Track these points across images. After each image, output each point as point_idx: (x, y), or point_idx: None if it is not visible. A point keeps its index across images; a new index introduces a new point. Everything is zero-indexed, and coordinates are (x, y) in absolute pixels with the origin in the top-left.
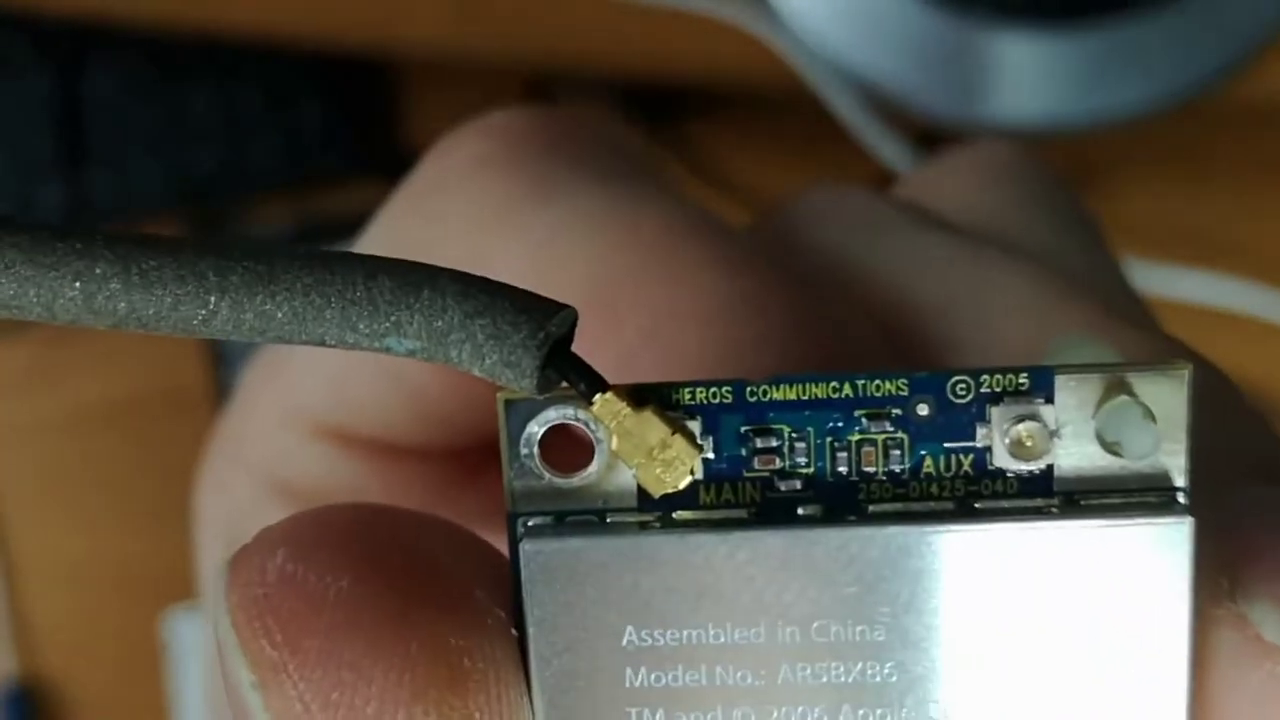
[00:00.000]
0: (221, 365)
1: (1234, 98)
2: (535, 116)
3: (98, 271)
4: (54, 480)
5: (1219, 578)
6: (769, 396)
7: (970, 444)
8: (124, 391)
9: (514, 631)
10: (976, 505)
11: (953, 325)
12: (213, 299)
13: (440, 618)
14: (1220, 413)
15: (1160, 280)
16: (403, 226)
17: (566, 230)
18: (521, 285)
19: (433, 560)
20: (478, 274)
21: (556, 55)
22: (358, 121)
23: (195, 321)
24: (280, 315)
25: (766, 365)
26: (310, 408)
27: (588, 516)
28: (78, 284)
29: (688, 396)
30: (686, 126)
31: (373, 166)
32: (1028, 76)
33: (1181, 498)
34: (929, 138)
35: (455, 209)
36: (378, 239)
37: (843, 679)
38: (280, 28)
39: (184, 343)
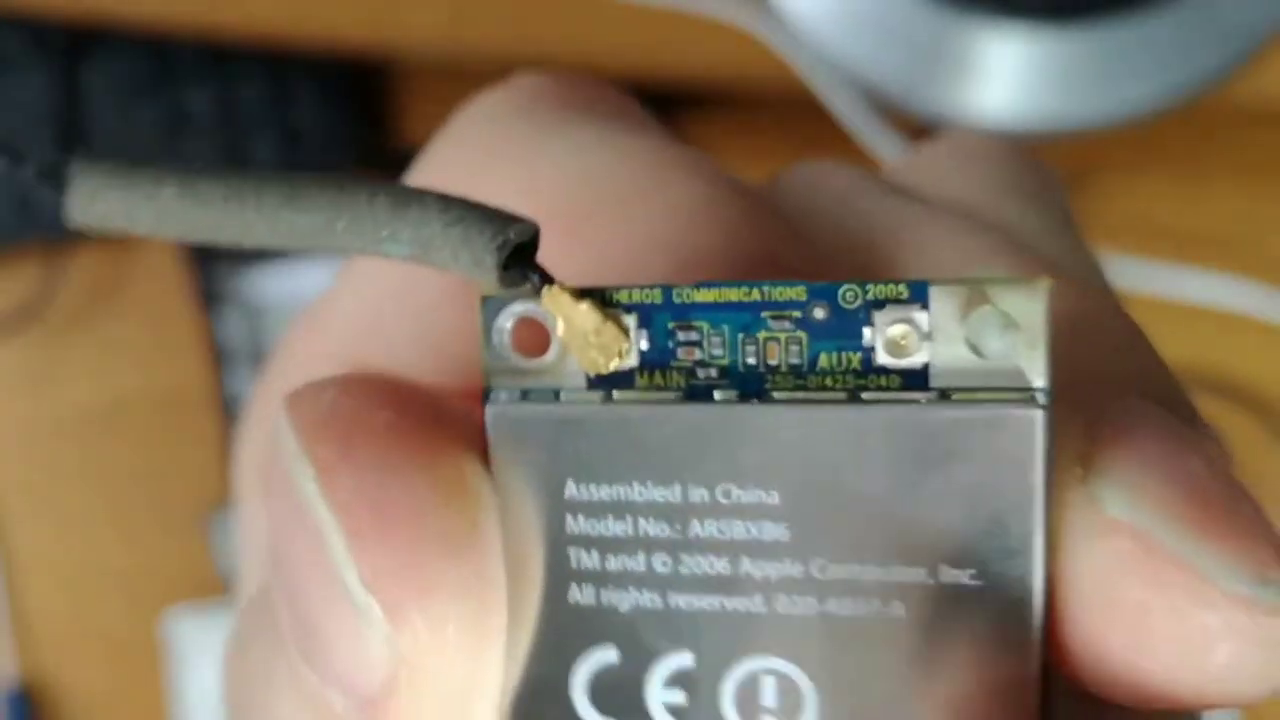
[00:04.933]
0: (221, 366)
1: (1234, 98)
2: (554, 77)
3: (165, 192)
4: (54, 480)
5: (1074, 467)
6: (692, 299)
7: (858, 343)
8: (124, 392)
9: None
10: (863, 396)
11: (895, 273)
12: (250, 213)
13: (456, 449)
14: (1116, 341)
15: (1160, 280)
16: (431, 165)
17: (563, 153)
18: (509, 203)
19: (448, 413)
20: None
21: (556, 55)
22: (358, 121)
23: (239, 232)
24: (303, 226)
25: (721, 269)
26: (345, 353)
27: (545, 393)
28: (150, 204)
29: (624, 296)
30: (686, 126)
31: (373, 166)
32: (1027, 76)
33: (1040, 396)
34: (928, 137)
35: (467, 150)
36: (412, 176)
37: (742, 535)
38: (280, 28)
39: (184, 343)
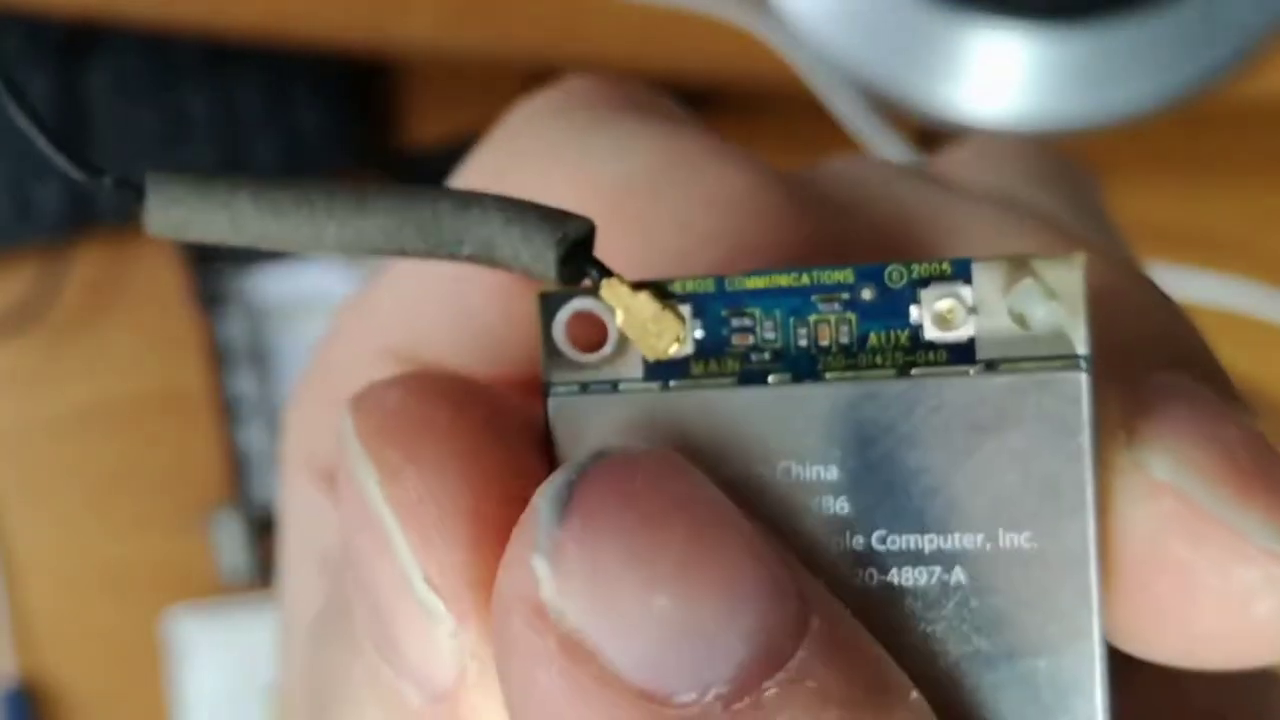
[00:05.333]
0: (221, 366)
1: (1234, 98)
2: (599, 79)
3: (239, 200)
4: (54, 480)
5: (1118, 433)
6: (743, 286)
7: (905, 320)
8: (124, 392)
9: None
10: (913, 371)
11: (939, 254)
12: (321, 219)
13: (517, 446)
14: (1154, 316)
15: (1160, 280)
16: (483, 161)
17: (613, 147)
18: (564, 195)
19: (506, 408)
20: (519, 197)
21: (556, 55)
22: (358, 121)
23: (311, 239)
24: (371, 232)
25: (768, 258)
26: (390, 341)
27: (603, 385)
28: (224, 213)
29: (679, 287)
30: None
31: (373, 166)
32: (1027, 76)
33: (1082, 362)
34: (928, 137)
35: (524, 146)
36: (467, 173)
37: (803, 509)
38: (280, 27)
39: (184, 344)
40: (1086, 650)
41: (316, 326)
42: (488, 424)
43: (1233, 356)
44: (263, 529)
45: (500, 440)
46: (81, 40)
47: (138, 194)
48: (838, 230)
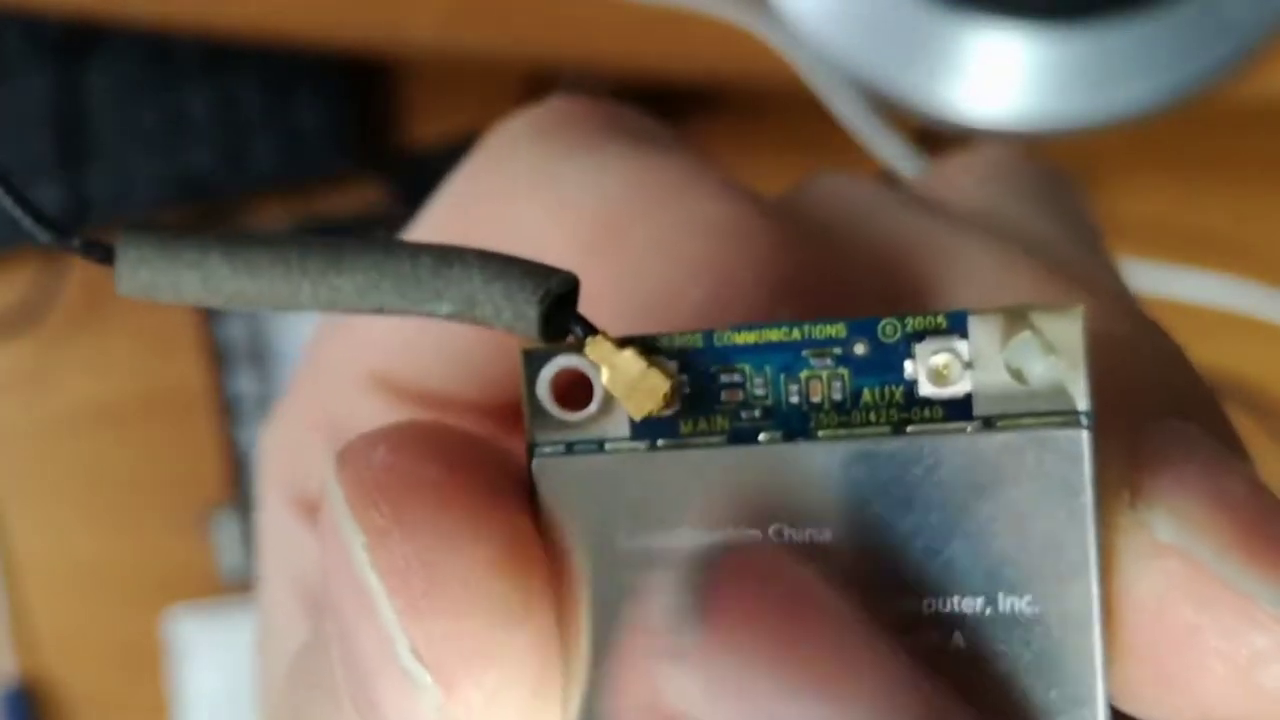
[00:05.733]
0: (221, 366)
1: (1234, 98)
2: (579, 101)
3: (210, 260)
4: (54, 481)
5: (1121, 491)
6: (732, 341)
7: (900, 375)
8: (124, 392)
9: None
10: (908, 429)
11: (929, 291)
12: (296, 278)
13: (508, 508)
14: (1154, 362)
15: (1160, 280)
16: (459, 191)
17: (592, 173)
18: (542, 227)
19: (495, 464)
20: (498, 250)
21: (556, 55)
22: (357, 121)
23: (286, 297)
24: (348, 290)
25: (756, 290)
26: (368, 364)
27: (590, 445)
28: (195, 273)
29: (666, 343)
30: (686, 126)
31: (372, 166)
32: (1027, 76)
33: (1083, 419)
34: (929, 137)
35: (502, 172)
36: (441, 205)
37: None
38: (279, 27)
39: (184, 344)
40: (1090, 717)
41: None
42: (480, 482)
43: (1233, 356)
44: None
45: (493, 500)
46: (81, 40)
47: (107, 255)
48: (827, 261)
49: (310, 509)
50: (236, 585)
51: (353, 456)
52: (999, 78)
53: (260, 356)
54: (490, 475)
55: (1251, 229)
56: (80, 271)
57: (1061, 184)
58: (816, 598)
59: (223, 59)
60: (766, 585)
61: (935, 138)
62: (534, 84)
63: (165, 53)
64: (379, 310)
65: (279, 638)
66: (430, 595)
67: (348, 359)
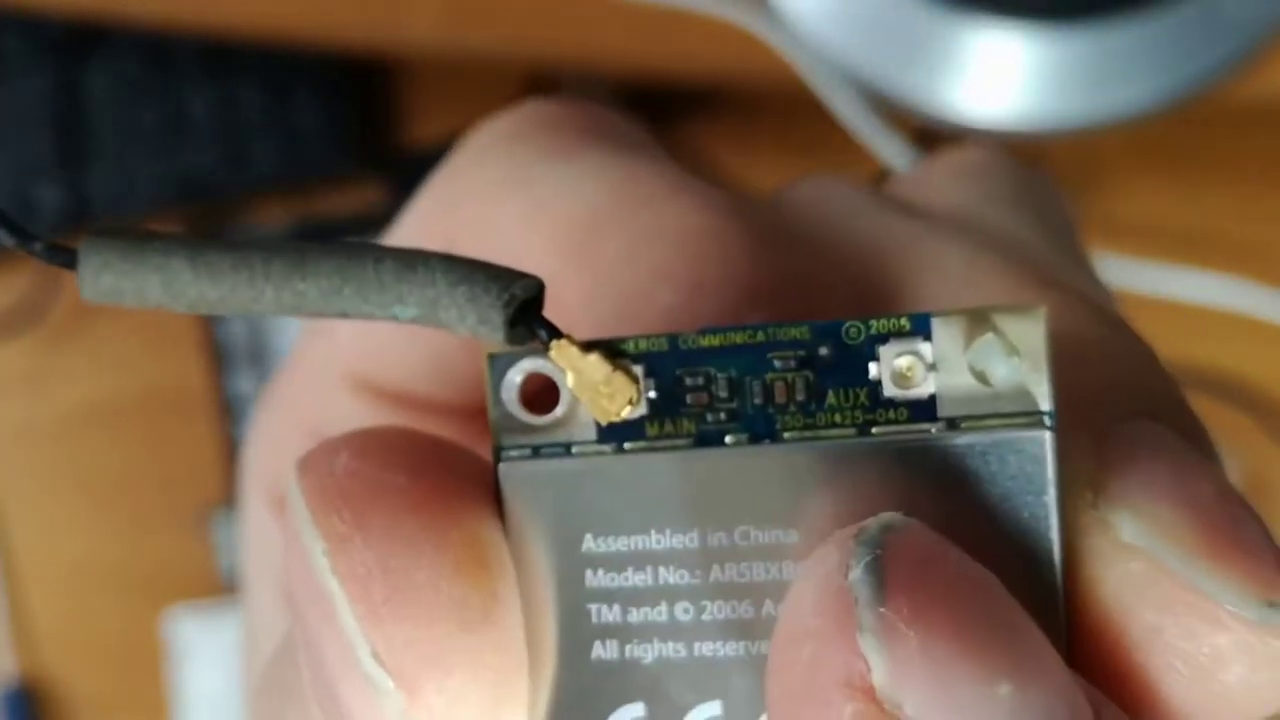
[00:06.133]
0: (221, 366)
1: (1234, 98)
2: (560, 104)
3: (173, 264)
4: (54, 480)
5: (1085, 491)
6: (697, 344)
7: (865, 378)
8: (124, 392)
9: None
10: (873, 430)
11: (901, 294)
12: (259, 283)
13: (473, 514)
14: (1123, 363)
15: (1160, 280)
16: (437, 194)
17: (568, 179)
18: (518, 231)
19: (462, 469)
20: (462, 253)
21: (556, 55)
22: (357, 121)
23: (249, 302)
24: (311, 294)
25: (728, 295)
26: (348, 365)
27: (556, 448)
28: (157, 277)
29: (631, 346)
30: (686, 126)
31: (372, 166)
32: (1027, 76)
33: (1045, 419)
34: (928, 137)
35: (479, 175)
36: (419, 208)
37: (763, 576)
38: (279, 27)
39: (184, 343)
40: None
41: None
42: (445, 487)
43: (1233, 356)
44: None
45: (458, 505)
46: (81, 40)
47: (70, 259)
48: (803, 265)
49: None
50: (236, 585)
51: (314, 463)
52: (999, 78)
53: (260, 356)
54: (456, 480)
55: (1251, 229)
56: None
57: (1040, 184)
58: (988, 579)
59: (223, 59)
60: (950, 566)
61: (935, 138)
62: (534, 84)
63: (165, 53)
64: (343, 315)
65: (262, 638)
66: (391, 602)
67: (328, 359)
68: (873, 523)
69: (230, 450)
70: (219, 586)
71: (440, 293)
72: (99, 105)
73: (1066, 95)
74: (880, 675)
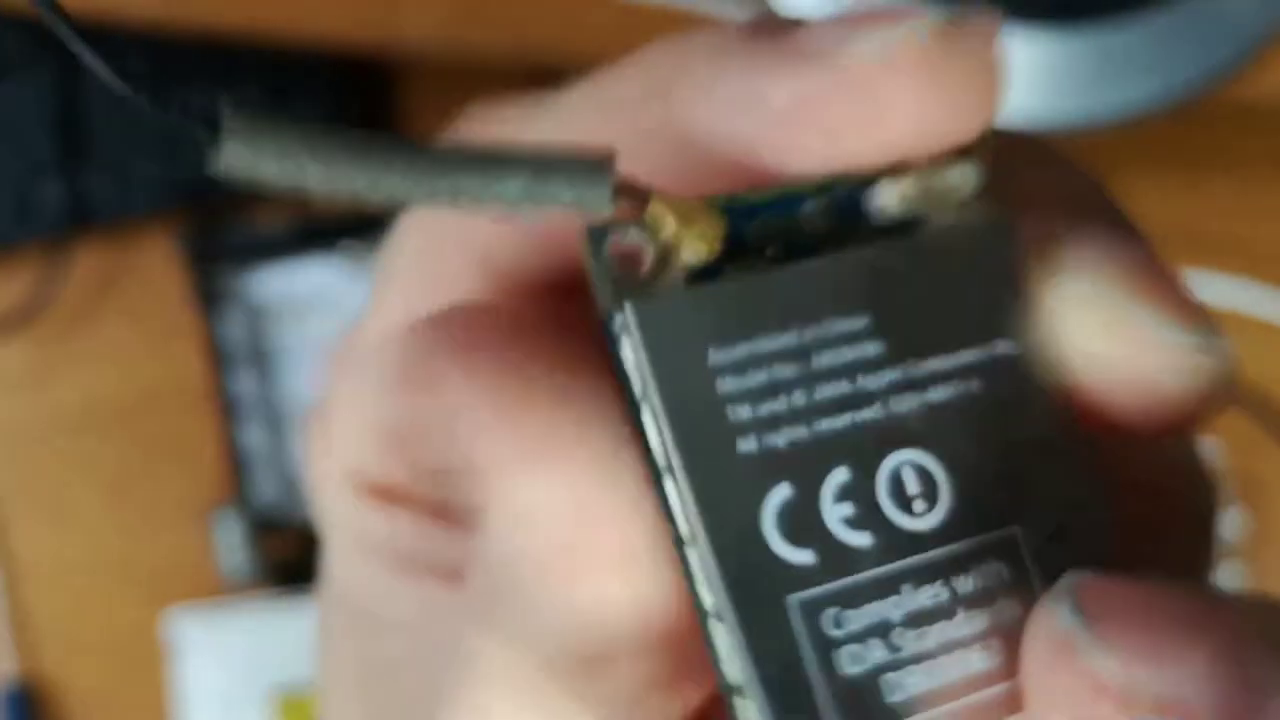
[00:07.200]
0: (221, 366)
1: (1234, 98)
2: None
3: (313, 140)
4: (54, 480)
5: (1038, 264)
6: (748, 201)
7: (866, 208)
8: (124, 391)
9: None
10: (878, 242)
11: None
12: (399, 166)
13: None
14: (1060, 172)
15: None
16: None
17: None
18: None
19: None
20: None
21: (557, 55)
22: (357, 121)
23: (392, 191)
24: (444, 183)
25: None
26: (483, 247)
27: (662, 294)
28: (302, 149)
29: (708, 202)
30: None
31: None
32: (1028, 76)
33: (1003, 213)
34: None
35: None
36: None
37: (850, 356)
38: (279, 27)
39: (185, 343)
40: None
41: (316, 326)
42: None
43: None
44: (263, 529)
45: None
46: (82, 40)
47: (212, 126)
48: None
49: (382, 495)
50: (236, 585)
51: (430, 322)
52: None
53: (260, 356)
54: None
55: (1252, 229)
56: (81, 270)
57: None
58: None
59: (223, 59)
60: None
61: None
62: (534, 84)
63: (165, 53)
64: (456, 196)
65: (370, 616)
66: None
67: (458, 237)
68: (1062, 582)
69: (230, 450)
70: (219, 586)
71: (545, 172)
72: (99, 105)
73: (1066, 95)
74: (1115, 676)
